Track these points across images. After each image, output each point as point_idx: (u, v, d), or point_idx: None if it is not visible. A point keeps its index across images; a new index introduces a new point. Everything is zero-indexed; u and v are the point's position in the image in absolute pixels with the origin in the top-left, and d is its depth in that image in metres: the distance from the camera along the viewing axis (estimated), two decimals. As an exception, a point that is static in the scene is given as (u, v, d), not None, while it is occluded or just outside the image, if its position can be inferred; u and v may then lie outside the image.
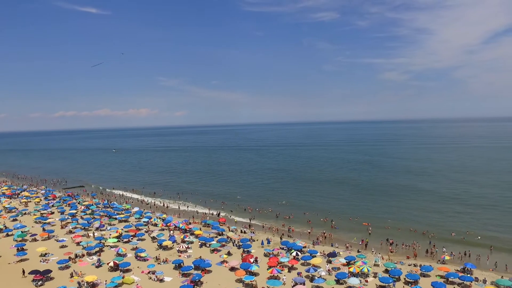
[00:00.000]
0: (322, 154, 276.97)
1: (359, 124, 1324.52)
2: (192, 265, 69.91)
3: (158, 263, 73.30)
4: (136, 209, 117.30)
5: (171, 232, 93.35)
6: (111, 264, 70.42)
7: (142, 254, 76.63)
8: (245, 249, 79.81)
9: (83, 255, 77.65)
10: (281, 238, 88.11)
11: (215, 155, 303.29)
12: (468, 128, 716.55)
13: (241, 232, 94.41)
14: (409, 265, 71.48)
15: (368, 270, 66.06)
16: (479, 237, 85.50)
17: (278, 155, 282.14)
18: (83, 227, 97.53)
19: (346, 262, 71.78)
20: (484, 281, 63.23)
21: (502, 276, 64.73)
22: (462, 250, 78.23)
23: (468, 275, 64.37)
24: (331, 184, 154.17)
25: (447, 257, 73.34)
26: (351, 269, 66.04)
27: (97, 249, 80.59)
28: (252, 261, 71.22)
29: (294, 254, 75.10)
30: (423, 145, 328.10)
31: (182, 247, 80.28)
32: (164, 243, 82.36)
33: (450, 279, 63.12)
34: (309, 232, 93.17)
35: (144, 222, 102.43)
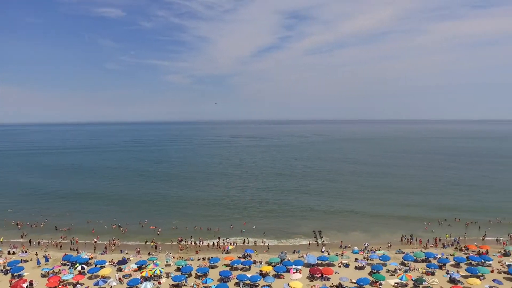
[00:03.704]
0: (100, 158, 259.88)
1: (145, 126, 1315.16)
2: None
3: None
4: None
5: None
6: None
7: None
8: (15, 274, 66.80)
9: None
10: (77, 250, 78.21)
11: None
12: (241, 129, 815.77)
13: (9, 253, 78.80)
14: (198, 259, 75.28)
15: (161, 272, 66.10)
16: (254, 227, 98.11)
17: (53, 160, 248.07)
18: None
19: (138, 267, 69.78)
20: (260, 262, 72.86)
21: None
22: (242, 239, 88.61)
23: (249, 259, 73.03)
24: (110, 190, 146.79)
25: (231, 247, 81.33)
26: (143, 274, 64.67)
27: None
28: (25, 287, 60.43)
29: (79, 268, 67.73)
30: (202, 146, 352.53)
31: None
32: None
33: (234, 266, 70.01)
34: (95, 241, 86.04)
35: None
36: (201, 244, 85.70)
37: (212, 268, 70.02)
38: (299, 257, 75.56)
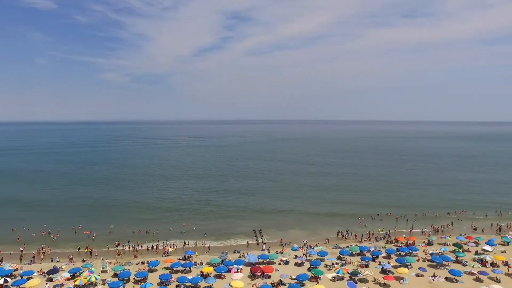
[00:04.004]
0: (26, 160, 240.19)
1: (80, 125, 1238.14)
2: None
3: None
4: None
5: None
6: None
7: None
8: None
9: None
10: (0, 261, 71.55)
11: None
12: (181, 130, 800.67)
13: None
14: (136, 264, 72.86)
15: (96, 279, 63.01)
16: (195, 228, 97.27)
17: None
18: None
19: (71, 275, 65.89)
20: (201, 263, 72.29)
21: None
22: (182, 241, 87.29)
23: (190, 261, 72.31)
24: (39, 195, 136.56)
25: (170, 250, 79.82)
26: (77, 282, 61.18)
27: None
28: None
29: (1, 281, 62.36)
30: (141, 147, 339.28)
31: None
32: None
33: (175, 269, 68.73)
34: (22, 251, 79.66)
35: None
36: (140, 248, 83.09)
37: (152, 272, 68.09)
38: (240, 257, 76.04)
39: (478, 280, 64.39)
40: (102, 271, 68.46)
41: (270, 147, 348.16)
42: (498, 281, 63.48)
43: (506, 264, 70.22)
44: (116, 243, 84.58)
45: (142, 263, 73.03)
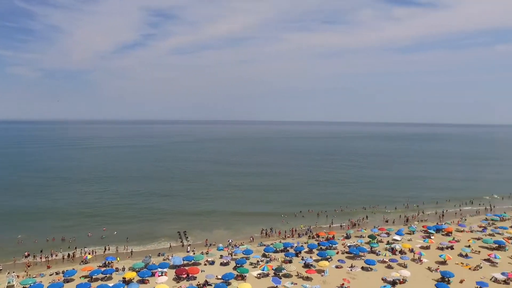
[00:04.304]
0: None
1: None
2: None
3: None
4: None
5: None
6: None
7: None
8: None
9: None
10: None
11: None
12: (101, 129, 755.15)
13: None
14: (50, 275, 67.44)
15: (2, 294, 57.22)
16: (116, 232, 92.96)
17: None
18: None
19: (-30, 292, 59.03)
20: (123, 269, 69.19)
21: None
22: (103, 248, 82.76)
23: (111, 268, 68.83)
24: None
25: (89, 257, 75.19)
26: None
27: None
28: None
29: None
30: (55, 148, 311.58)
31: None
32: None
33: (94, 277, 64.97)
34: None
35: None
36: (54, 257, 77.02)
37: (68, 282, 63.49)
38: (164, 260, 74.27)
39: (389, 267, 70.24)
40: (8, 287, 62.17)
41: (196, 148, 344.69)
42: (405, 266, 69.92)
43: (411, 250, 77.68)
44: (26, 253, 77.50)
45: (57, 273, 67.74)
